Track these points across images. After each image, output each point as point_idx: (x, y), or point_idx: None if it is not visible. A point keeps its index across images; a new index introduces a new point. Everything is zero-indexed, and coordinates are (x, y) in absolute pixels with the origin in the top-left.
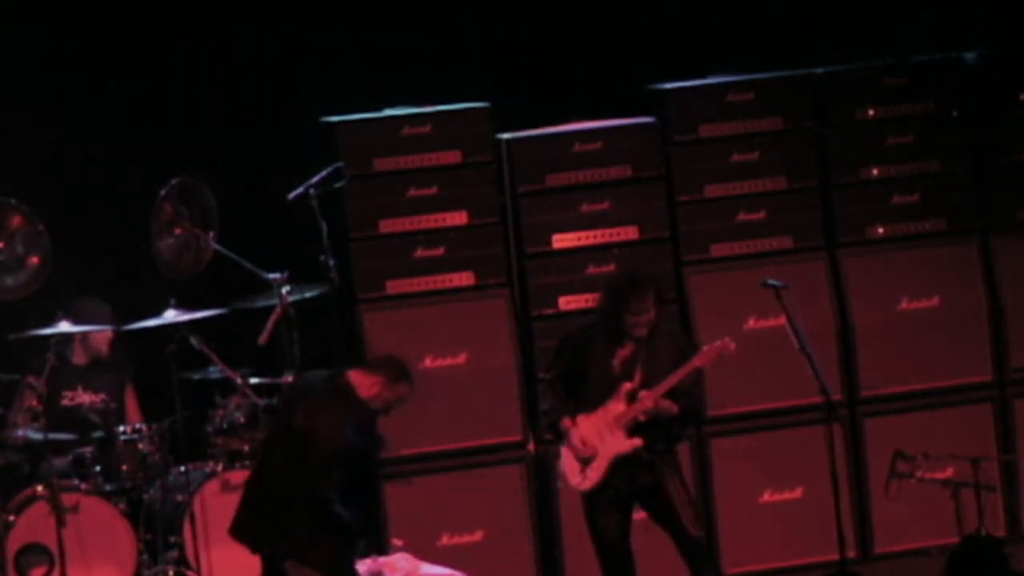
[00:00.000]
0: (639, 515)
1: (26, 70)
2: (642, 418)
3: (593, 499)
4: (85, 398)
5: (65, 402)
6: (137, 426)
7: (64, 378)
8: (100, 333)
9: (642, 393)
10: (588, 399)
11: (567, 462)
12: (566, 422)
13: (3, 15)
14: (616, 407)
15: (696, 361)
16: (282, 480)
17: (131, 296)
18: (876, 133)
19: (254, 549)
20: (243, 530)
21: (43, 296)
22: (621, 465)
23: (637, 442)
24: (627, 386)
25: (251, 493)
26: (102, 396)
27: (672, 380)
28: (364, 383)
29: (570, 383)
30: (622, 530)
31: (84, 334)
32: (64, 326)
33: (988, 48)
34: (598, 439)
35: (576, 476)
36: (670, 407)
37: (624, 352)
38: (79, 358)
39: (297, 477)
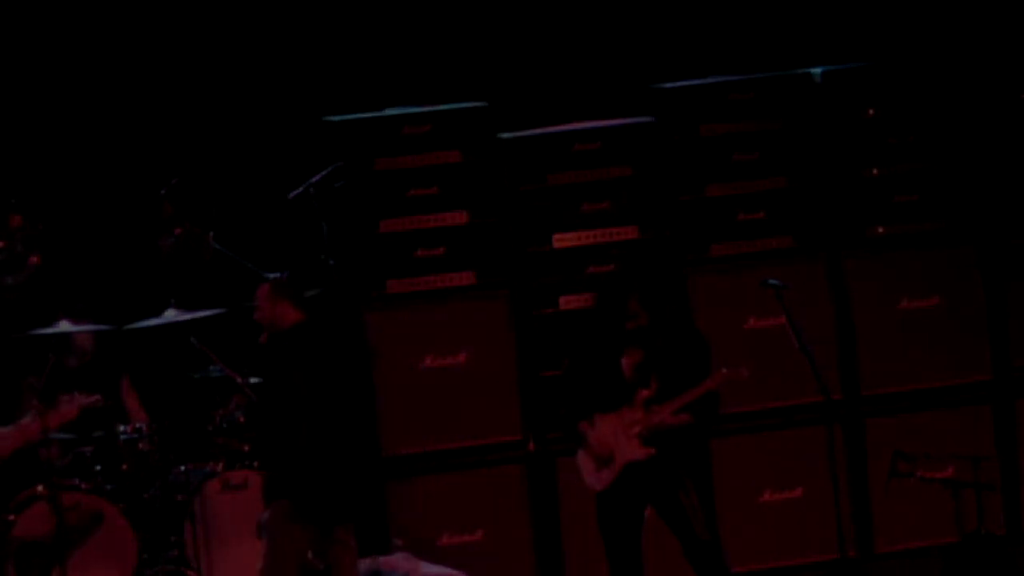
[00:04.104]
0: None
1: (26, 70)
2: (646, 433)
3: (606, 498)
4: (82, 400)
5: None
6: (137, 426)
7: (59, 381)
8: (85, 333)
9: (654, 407)
10: (601, 401)
11: (583, 462)
12: (583, 425)
13: (3, 14)
14: (633, 414)
15: (708, 383)
16: None
17: (131, 296)
18: (876, 133)
19: None
20: None
21: (43, 296)
22: (636, 468)
23: (650, 451)
24: (644, 394)
25: None
26: (97, 396)
27: (684, 398)
28: None
29: (585, 382)
30: (633, 530)
31: (71, 335)
32: (64, 326)
33: (987, 48)
34: (613, 442)
35: (591, 476)
36: (684, 420)
37: (633, 356)
38: (72, 361)
39: None
